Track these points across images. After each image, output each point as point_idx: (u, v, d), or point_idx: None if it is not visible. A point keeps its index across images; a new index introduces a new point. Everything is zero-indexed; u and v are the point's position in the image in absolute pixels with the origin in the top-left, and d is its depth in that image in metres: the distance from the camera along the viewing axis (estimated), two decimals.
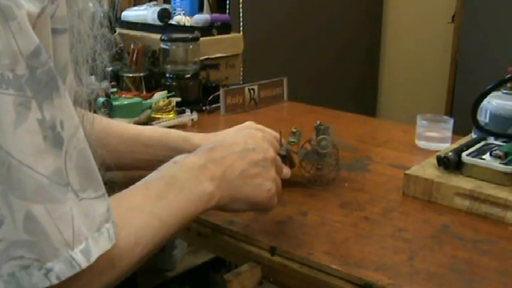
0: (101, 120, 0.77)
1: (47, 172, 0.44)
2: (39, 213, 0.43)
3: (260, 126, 0.88)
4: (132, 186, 0.60)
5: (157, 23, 1.58)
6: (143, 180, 0.62)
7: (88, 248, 0.46)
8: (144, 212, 0.56)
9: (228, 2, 2.18)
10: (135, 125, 0.95)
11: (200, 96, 1.39)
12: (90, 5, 0.56)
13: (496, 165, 0.82)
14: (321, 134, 0.88)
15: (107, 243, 0.48)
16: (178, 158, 0.66)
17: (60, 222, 0.44)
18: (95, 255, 0.46)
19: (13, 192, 0.42)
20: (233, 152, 0.68)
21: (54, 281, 0.44)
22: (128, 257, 0.53)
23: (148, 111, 1.24)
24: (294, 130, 0.91)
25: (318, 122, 0.89)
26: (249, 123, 0.90)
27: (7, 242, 0.43)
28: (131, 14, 1.68)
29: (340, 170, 0.91)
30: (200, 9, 1.82)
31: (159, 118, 1.22)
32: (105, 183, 0.51)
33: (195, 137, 0.88)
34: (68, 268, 0.44)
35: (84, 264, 0.45)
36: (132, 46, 1.43)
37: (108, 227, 0.49)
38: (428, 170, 0.88)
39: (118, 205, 0.54)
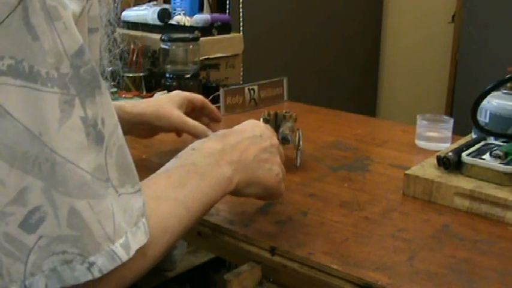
0: None
1: (90, 168, 0.45)
2: (82, 208, 0.44)
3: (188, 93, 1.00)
4: (154, 175, 0.60)
5: (157, 23, 1.58)
6: (164, 168, 0.63)
7: (127, 242, 0.47)
8: (170, 200, 0.57)
9: (228, 2, 2.18)
10: None
11: None
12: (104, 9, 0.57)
13: (496, 165, 0.82)
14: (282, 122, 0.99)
15: (144, 237, 0.49)
16: (195, 144, 0.68)
17: (102, 217, 0.45)
18: (133, 249, 0.48)
19: (57, 188, 0.43)
20: (245, 138, 0.70)
21: (97, 274, 0.45)
22: (157, 245, 0.53)
23: None
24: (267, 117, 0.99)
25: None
26: (176, 92, 0.99)
27: (49, 238, 0.43)
28: (131, 14, 1.68)
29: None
30: (200, 9, 1.82)
31: None
32: None
33: (127, 104, 0.94)
34: (110, 261, 0.46)
35: (124, 257, 0.47)
36: (132, 46, 1.43)
37: (144, 221, 0.50)
38: (428, 170, 0.88)
39: (144, 193, 0.54)
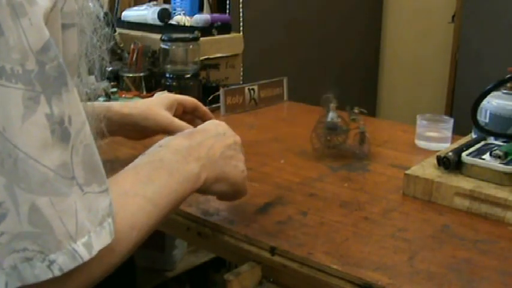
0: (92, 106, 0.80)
1: (53, 165, 0.45)
2: (44, 205, 0.44)
3: (179, 96, 1.00)
4: (122, 171, 0.60)
5: (157, 23, 1.58)
6: (132, 164, 0.62)
7: (90, 241, 0.47)
8: (137, 196, 0.57)
9: (228, 2, 2.18)
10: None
11: (200, 96, 1.39)
12: (90, 4, 0.57)
13: (496, 165, 0.82)
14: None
15: (108, 238, 0.49)
16: (162, 141, 0.68)
17: (64, 215, 0.45)
18: (96, 249, 0.47)
19: (19, 184, 0.43)
20: (210, 136, 0.71)
21: (57, 273, 0.45)
22: (125, 241, 0.53)
23: None
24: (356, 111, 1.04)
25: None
26: (166, 94, 1.01)
27: (10, 234, 0.43)
28: (131, 14, 1.68)
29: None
30: (200, 9, 1.82)
31: None
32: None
33: (116, 104, 0.95)
34: (71, 260, 0.45)
35: (86, 257, 0.46)
36: (132, 46, 1.43)
37: (110, 221, 0.50)
38: (428, 170, 0.88)
39: (111, 190, 0.54)
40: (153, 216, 0.58)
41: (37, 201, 0.44)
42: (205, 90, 1.41)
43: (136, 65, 1.41)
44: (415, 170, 0.88)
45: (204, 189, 0.68)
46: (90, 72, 0.62)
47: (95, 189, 0.48)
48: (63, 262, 0.45)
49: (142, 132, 0.96)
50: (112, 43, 0.65)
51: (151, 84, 1.42)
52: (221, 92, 1.33)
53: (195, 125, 0.96)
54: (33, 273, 0.44)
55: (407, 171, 0.87)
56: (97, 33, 0.59)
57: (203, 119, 1.02)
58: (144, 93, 1.37)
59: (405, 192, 0.87)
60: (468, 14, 2.66)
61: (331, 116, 1.03)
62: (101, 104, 0.95)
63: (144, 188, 0.59)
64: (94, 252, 0.47)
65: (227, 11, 2.17)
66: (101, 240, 0.48)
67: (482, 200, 0.80)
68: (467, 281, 0.64)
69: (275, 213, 0.80)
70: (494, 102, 0.95)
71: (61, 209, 0.45)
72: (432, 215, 0.81)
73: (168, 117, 0.94)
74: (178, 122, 0.94)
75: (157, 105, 0.95)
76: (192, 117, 1.01)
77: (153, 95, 1.33)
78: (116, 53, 1.52)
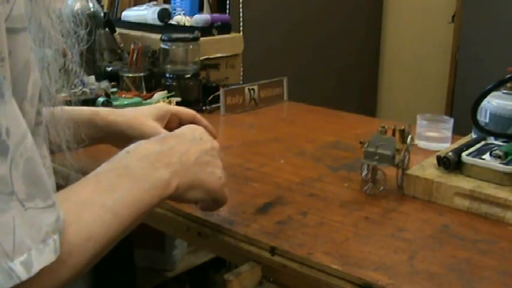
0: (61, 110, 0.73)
1: None
2: None
3: (173, 106, 0.95)
4: (82, 179, 0.58)
5: (157, 23, 1.58)
6: (94, 172, 0.60)
7: (30, 259, 0.44)
8: (96, 206, 0.54)
9: (228, 2, 2.18)
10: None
11: (200, 96, 1.39)
12: (78, 5, 0.55)
13: (496, 165, 0.82)
14: (406, 135, 0.88)
15: (52, 255, 0.46)
16: (131, 146, 0.65)
17: (0, 232, 0.42)
18: (37, 267, 0.44)
19: None
20: (185, 140, 0.69)
21: None
22: (79, 252, 0.51)
23: None
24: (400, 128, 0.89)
25: (386, 126, 0.88)
26: (160, 104, 0.96)
27: None
28: (131, 14, 1.68)
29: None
30: (200, 9, 1.83)
31: None
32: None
33: (102, 111, 0.90)
34: (6, 279, 0.43)
35: (24, 276, 0.43)
36: (132, 46, 1.43)
37: (55, 238, 0.47)
38: (428, 170, 0.88)
39: (67, 199, 0.53)
40: (113, 226, 0.55)
41: None
42: (205, 90, 1.41)
43: (137, 65, 1.41)
44: (415, 170, 0.88)
45: (177, 197, 0.65)
46: (89, 73, 0.61)
47: (38, 204, 0.46)
48: None
49: (128, 142, 0.89)
50: (82, 45, 0.62)
51: (151, 84, 1.42)
52: (221, 92, 1.33)
53: None
54: None
55: (407, 171, 0.87)
56: (70, 33, 0.57)
57: None
58: (144, 93, 1.37)
59: (405, 192, 0.87)
60: (468, 14, 2.66)
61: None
62: (88, 108, 0.92)
63: (104, 197, 0.56)
64: (34, 271, 0.44)
65: (227, 11, 2.17)
66: (43, 258, 0.45)
67: (482, 200, 0.80)
68: (467, 281, 0.64)
69: (275, 213, 0.80)
70: (494, 102, 0.95)
71: None
72: (432, 215, 0.81)
73: (154, 128, 0.87)
74: (164, 133, 0.88)
75: (146, 114, 0.90)
76: None
77: (153, 95, 1.33)
78: (116, 53, 1.52)
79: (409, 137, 0.89)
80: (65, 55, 0.60)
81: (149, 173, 0.61)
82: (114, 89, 1.25)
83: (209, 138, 0.72)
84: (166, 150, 0.65)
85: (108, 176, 0.59)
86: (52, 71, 0.56)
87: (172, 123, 0.92)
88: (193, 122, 0.94)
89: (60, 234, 0.47)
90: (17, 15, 0.47)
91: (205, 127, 0.92)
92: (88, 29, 0.64)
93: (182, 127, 0.74)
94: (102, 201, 0.55)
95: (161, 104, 0.96)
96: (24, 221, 0.44)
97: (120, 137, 0.88)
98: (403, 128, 0.88)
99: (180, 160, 0.65)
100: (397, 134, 0.88)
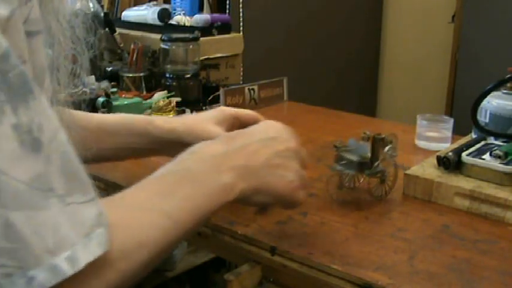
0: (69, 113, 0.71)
1: (26, 178, 0.42)
2: (17, 220, 0.41)
3: (235, 110, 0.87)
4: (143, 181, 0.56)
5: (157, 23, 1.58)
6: (156, 173, 0.58)
7: (75, 254, 0.44)
8: (153, 210, 0.53)
9: (228, 2, 2.18)
10: (99, 114, 0.92)
11: (200, 96, 1.39)
12: (78, 5, 0.55)
13: (496, 165, 0.82)
14: (384, 144, 0.82)
15: (97, 249, 0.45)
16: (195, 147, 0.63)
17: (41, 229, 0.42)
18: (82, 262, 0.44)
19: None
20: (256, 140, 0.64)
21: None
22: (130, 258, 0.50)
23: (149, 111, 1.24)
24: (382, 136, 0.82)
25: (368, 133, 0.83)
26: (220, 108, 0.87)
27: None
28: (131, 14, 1.68)
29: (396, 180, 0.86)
30: (200, 9, 1.83)
31: None
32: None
33: (158, 120, 0.85)
34: (52, 276, 0.42)
35: (69, 271, 0.43)
36: (132, 46, 1.43)
37: (100, 231, 0.46)
38: (428, 170, 0.88)
39: (121, 204, 0.52)
40: (171, 232, 0.53)
41: (10, 217, 0.41)
42: (205, 90, 1.41)
43: (137, 65, 1.41)
44: (415, 170, 0.88)
45: (241, 201, 0.62)
46: (88, 73, 0.60)
47: (78, 199, 0.45)
48: (43, 278, 0.42)
49: None
50: (92, 52, 0.61)
51: (151, 84, 1.42)
52: (221, 92, 1.33)
53: None
54: None
55: (407, 171, 0.87)
56: (76, 29, 0.57)
57: None
58: (144, 93, 1.37)
59: (405, 192, 0.87)
60: (468, 14, 2.66)
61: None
62: (142, 117, 0.87)
63: (163, 201, 0.54)
64: (79, 266, 0.44)
65: (227, 11, 2.17)
66: (88, 252, 0.44)
67: (482, 200, 0.80)
68: (467, 281, 0.64)
69: (275, 213, 0.80)
70: (494, 102, 0.95)
71: (38, 223, 0.42)
72: (432, 215, 0.81)
73: (217, 134, 0.78)
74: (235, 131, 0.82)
75: (206, 119, 0.83)
76: None
77: (153, 95, 1.33)
78: (116, 53, 1.52)
79: (388, 147, 0.82)
80: (74, 61, 0.59)
81: (212, 177, 0.59)
82: (114, 89, 1.25)
83: (285, 137, 0.67)
84: (232, 151, 0.62)
85: (169, 179, 0.57)
86: (61, 76, 0.55)
87: (234, 128, 0.84)
88: (256, 122, 0.84)
89: (105, 229, 0.46)
90: (34, 19, 0.47)
91: None
92: (97, 35, 0.64)
93: (259, 123, 0.70)
94: (160, 205, 0.54)
95: (223, 107, 0.88)
96: (65, 217, 0.44)
97: (179, 147, 0.78)
98: (382, 136, 0.82)
99: (247, 162, 0.62)
100: (378, 142, 0.81)
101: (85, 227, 0.45)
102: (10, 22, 0.43)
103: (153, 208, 0.53)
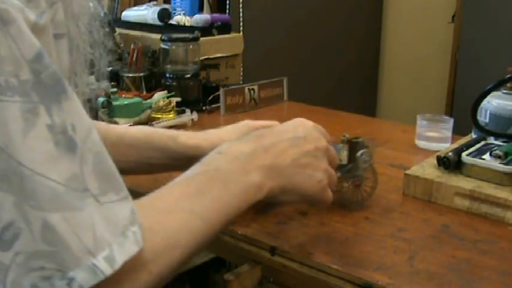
0: None
1: (62, 179, 0.42)
2: (56, 222, 0.41)
3: (259, 122, 0.85)
4: (171, 182, 0.57)
5: (157, 23, 1.58)
6: (184, 174, 0.59)
7: (112, 254, 0.44)
8: (184, 211, 0.53)
9: (228, 2, 2.18)
10: (120, 125, 0.91)
11: (200, 96, 1.39)
12: (91, 4, 0.55)
13: (496, 165, 0.82)
14: (358, 148, 0.81)
15: (134, 247, 0.45)
16: (223, 146, 0.63)
17: (79, 229, 0.42)
18: (119, 261, 0.44)
19: (28, 202, 0.41)
20: (284, 139, 0.64)
21: None
22: (164, 260, 0.50)
23: (148, 111, 1.24)
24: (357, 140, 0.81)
25: (348, 136, 0.82)
26: (245, 122, 0.87)
27: (25, 254, 0.41)
28: (131, 14, 1.68)
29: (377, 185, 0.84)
30: (200, 9, 1.82)
31: (159, 118, 1.22)
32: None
33: (183, 135, 0.83)
34: (91, 276, 0.42)
35: (108, 271, 0.43)
36: (132, 46, 1.43)
37: (135, 230, 0.46)
38: (428, 170, 0.88)
39: (152, 206, 0.52)
40: (202, 232, 0.54)
41: (49, 218, 0.41)
42: (205, 90, 1.41)
43: (136, 65, 1.41)
44: (415, 170, 0.88)
45: (269, 199, 0.63)
46: (90, 72, 0.60)
47: (112, 198, 0.45)
48: (83, 279, 0.42)
49: None
50: (118, 50, 0.62)
51: (151, 84, 1.42)
52: (221, 92, 1.33)
53: None
54: None
55: (407, 171, 0.87)
56: (95, 34, 0.57)
57: None
58: (144, 93, 1.37)
59: (405, 192, 0.87)
60: (468, 14, 2.66)
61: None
62: (164, 132, 0.85)
63: (193, 202, 0.55)
64: (117, 265, 0.44)
65: (227, 11, 2.17)
66: (125, 251, 0.45)
67: (482, 200, 0.80)
68: (467, 281, 0.64)
69: (275, 213, 0.80)
70: (494, 102, 0.95)
71: (75, 223, 0.42)
72: (432, 215, 0.81)
73: None
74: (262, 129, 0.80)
75: (232, 135, 0.82)
76: None
77: (153, 95, 1.33)
78: (116, 53, 1.52)
79: (361, 151, 0.80)
80: (92, 66, 0.59)
81: (240, 176, 0.59)
82: (114, 89, 1.25)
83: (315, 136, 0.67)
84: (260, 151, 0.62)
85: (198, 179, 0.58)
86: (78, 81, 0.56)
87: None
88: None
89: (139, 227, 0.47)
90: (59, 21, 0.47)
91: None
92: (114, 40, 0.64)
93: (288, 122, 0.69)
94: (191, 206, 0.54)
95: (245, 121, 0.87)
96: (101, 216, 0.44)
97: None
98: (358, 140, 0.80)
99: (274, 162, 0.62)
100: (354, 146, 0.80)
101: (120, 226, 0.45)
102: (39, 25, 0.44)
103: (183, 209, 0.54)
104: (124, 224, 0.46)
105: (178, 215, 0.53)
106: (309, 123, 0.69)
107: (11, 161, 0.40)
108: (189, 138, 0.82)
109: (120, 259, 0.44)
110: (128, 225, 0.46)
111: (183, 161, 0.78)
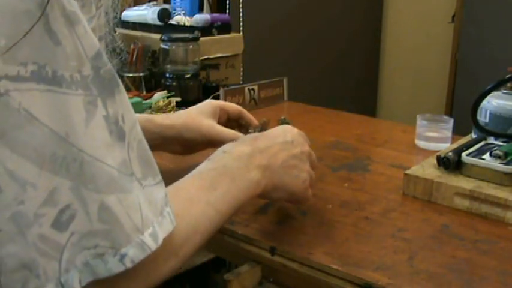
0: None
1: (116, 164, 0.47)
2: (112, 203, 0.46)
3: (221, 102, 0.95)
4: (186, 176, 0.63)
5: (157, 23, 1.58)
6: (197, 170, 0.65)
7: (155, 231, 0.49)
8: (201, 202, 0.60)
9: (228, 2, 2.18)
10: None
11: (200, 96, 1.39)
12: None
13: (496, 165, 0.82)
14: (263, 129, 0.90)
15: (170, 226, 0.51)
16: (226, 147, 0.70)
17: (130, 210, 0.47)
18: (161, 237, 0.49)
19: (87, 186, 0.45)
20: (276, 143, 0.72)
21: (129, 265, 0.47)
22: (188, 245, 0.56)
23: (148, 111, 1.24)
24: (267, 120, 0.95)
25: (283, 118, 0.93)
26: (208, 101, 0.95)
27: (80, 234, 0.45)
28: (131, 14, 1.68)
29: None
30: (200, 9, 1.83)
31: None
32: None
33: (157, 117, 0.91)
34: (140, 251, 0.47)
35: (153, 246, 0.48)
36: (132, 46, 1.43)
37: (168, 210, 0.52)
38: (428, 170, 0.88)
39: (177, 195, 0.57)
40: (215, 221, 0.60)
41: (106, 200, 0.46)
42: (205, 90, 1.41)
43: (136, 65, 1.41)
44: (415, 170, 0.88)
45: (262, 195, 0.70)
46: None
47: (150, 182, 0.51)
48: (134, 254, 0.47)
49: (187, 146, 0.90)
50: (121, 58, 0.67)
51: (151, 84, 1.43)
52: (221, 92, 1.33)
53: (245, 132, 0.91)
54: (106, 268, 0.46)
55: (407, 171, 0.87)
56: (108, 48, 0.61)
57: (248, 127, 0.96)
58: (144, 93, 1.37)
59: (405, 192, 0.87)
60: (468, 14, 2.66)
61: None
62: (141, 115, 0.92)
63: (208, 194, 0.61)
64: (160, 241, 0.49)
65: (227, 11, 2.17)
66: (164, 228, 0.50)
67: (482, 200, 0.80)
68: (467, 281, 0.64)
69: (275, 213, 0.80)
70: (494, 102, 0.95)
71: (127, 204, 0.47)
72: (432, 215, 0.81)
73: (211, 126, 0.88)
74: (226, 131, 0.88)
75: (200, 114, 0.89)
76: (236, 124, 0.95)
77: (153, 95, 1.33)
78: (116, 53, 1.52)
79: (252, 130, 0.91)
80: None
81: (244, 173, 0.66)
82: None
83: (300, 141, 0.75)
84: (257, 152, 0.69)
85: (210, 174, 0.64)
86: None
87: (220, 119, 0.92)
88: (239, 115, 0.95)
89: (171, 208, 0.53)
90: (100, 24, 0.52)
91: (250, 121, 0.96)
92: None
93: (277, 128, 0.77)
94: (207, 198, 0.61)
95: (210, 100, 0.96)
96: (144, 198, 0.49)
97: (177, 141, 0.89)
98: (264, 121, 0.94)
99: (269, 162, 0.69)
100: (264, 125, 0.91)
101: (158, 207, 0.51)
102: (90, 27, 0.48)
103: (201, 200, 0.60)
104: (161, 204, 0.51)
105: (198, 204, 0.59)
106: (295, 130, 0.77)
107: (71, 149, 0.44)
108: (163, 119, 0.90)
109: (161, 236, 0.50)
110: (164, 206, 0.52)
111: (159, 140, 0.87)
